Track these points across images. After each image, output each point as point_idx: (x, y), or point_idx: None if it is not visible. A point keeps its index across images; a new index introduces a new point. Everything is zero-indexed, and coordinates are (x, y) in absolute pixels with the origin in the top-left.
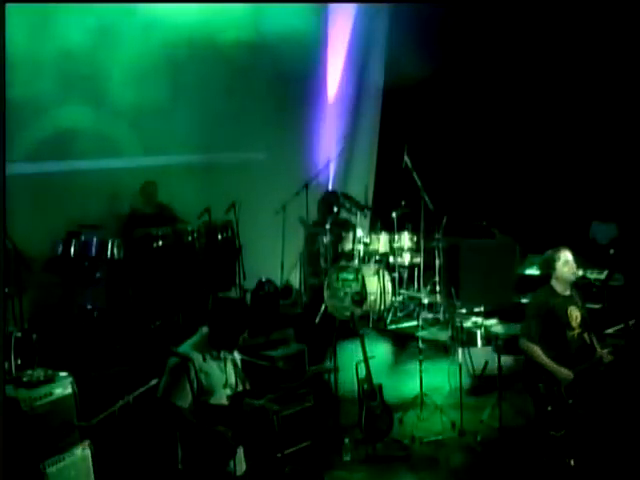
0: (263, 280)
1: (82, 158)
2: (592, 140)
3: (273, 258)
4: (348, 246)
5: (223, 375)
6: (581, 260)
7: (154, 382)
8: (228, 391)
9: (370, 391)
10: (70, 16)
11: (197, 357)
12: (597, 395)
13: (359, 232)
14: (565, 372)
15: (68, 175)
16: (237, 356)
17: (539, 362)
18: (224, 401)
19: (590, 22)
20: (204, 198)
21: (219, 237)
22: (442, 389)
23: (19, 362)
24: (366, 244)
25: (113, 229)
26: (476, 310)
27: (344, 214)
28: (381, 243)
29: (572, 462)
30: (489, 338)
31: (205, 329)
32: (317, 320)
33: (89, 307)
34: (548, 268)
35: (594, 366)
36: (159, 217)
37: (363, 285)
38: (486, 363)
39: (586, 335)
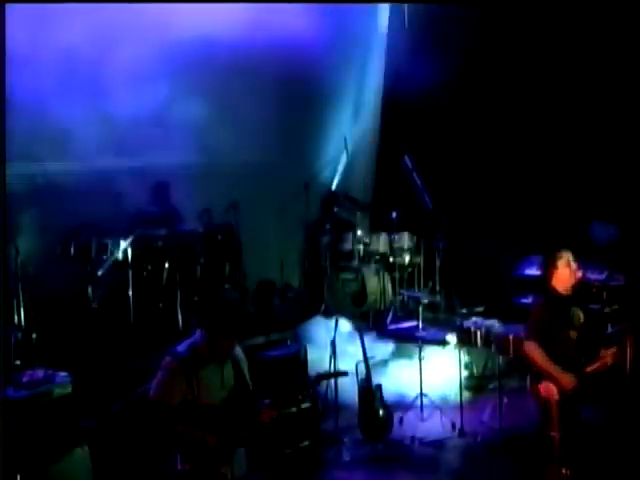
0: (263, 280)
1: (82, 158)
2: (592, 140)
3: (273, 258)
4: (348, 246)
5: (219, 376)
6: (581, 260)
7: (154, 382)
8: (224, 392)
9: (370, 391)
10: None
11: (192, 357)
12: (600, 396)
13: (359, 232)
14: (568, 378)
15: (68, 175)
16: (241, 356)
17: (542, 366)
18: (218, 402)
19: (586, 22)
20: (204, 198)
21: (219, 237)
22: (442, 389)
23: (19, 362)
24: (366, 244)
25: (113, 229)
26: (476, 310)
27: (344, 214)
28: (381, 243)
29: (572, 463)
30: (489, 338)
31: (202, 329)
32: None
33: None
34: (549, 269)
35: (598, 368)
36: (163, 218)
37: (363, 285)
38: (486, 363)
39: (589, 336)
